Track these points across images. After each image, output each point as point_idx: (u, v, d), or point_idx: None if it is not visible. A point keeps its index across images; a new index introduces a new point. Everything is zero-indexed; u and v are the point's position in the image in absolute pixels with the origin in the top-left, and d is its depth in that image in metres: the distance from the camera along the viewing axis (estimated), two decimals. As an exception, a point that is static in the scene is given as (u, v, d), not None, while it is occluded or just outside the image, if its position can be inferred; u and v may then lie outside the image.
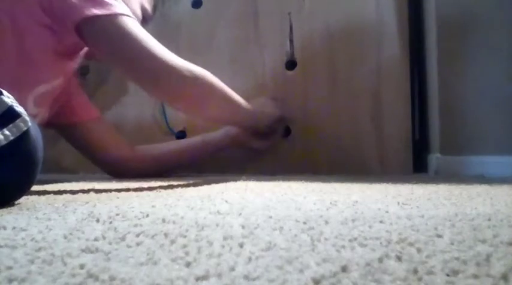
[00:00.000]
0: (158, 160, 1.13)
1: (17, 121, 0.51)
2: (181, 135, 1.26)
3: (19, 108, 0.52)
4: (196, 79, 0.90)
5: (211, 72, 1.24)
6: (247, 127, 1.12)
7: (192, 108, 0.99)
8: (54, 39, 0.86)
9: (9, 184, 0.52)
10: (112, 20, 0.84)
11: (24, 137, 0.51)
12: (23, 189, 0.55)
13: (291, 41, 1.20)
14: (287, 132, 1.21)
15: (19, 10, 0.82)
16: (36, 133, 0.54)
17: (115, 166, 1.09)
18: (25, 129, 0.51)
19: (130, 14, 0.87)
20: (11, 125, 0.50)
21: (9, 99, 0.52)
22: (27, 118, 0.52)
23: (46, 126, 1.07)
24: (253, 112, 1.08)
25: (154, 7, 1.19)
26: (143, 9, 1.08)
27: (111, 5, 0.84)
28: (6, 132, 0.50)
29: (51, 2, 0.83)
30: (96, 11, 0.83)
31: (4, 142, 0.49)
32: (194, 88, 0.91)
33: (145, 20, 1.10)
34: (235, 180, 0.90)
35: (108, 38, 0.86)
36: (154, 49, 0.86)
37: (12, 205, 0.54)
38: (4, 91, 0.53)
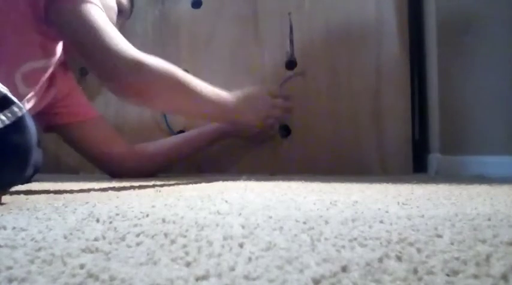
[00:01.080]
0: (156, 158, 1.13)
1: (12, 106, 0.52)
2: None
3: (11, 96, 0.53)
4: (145, 71, 0.86)
5: (212, 72, 1.24)
6: (220, 121, 1.11)
7: (141, 100, 0.92)
8: (37, 18, 0.86)
9: (4, 168, 0.52)
10: (75, 5, 0.85)
11: (19, 122, 0.52)
12: (18, 174, 0.55)
13: (291, 41, 1.20)
14: (287, 132, 1.20)
15: None
16: (29, 120, 0.55)
17: (113, 166, 1.09)
18: (20, 114, 0.52)
19: (96, 2, 0.87)
20: (5, 111, 0.51)
21: (3, 88, 0.53)
22: (22, 105, 0.53)
23: (46, 130, 1.07)
24: (224, 106, 1.02)
25: (132, 2, 1.19)
26: (118, 2, 1.08)
27: None
28: (2, 117, 0.51)
29: None
30: None
31: (0, 126, 0.50)
32: (141, 79, 0.86)
33: (121, 14, 1.10)
34: (235, 180, 0.90)
35: (69, 23, 0.86)
36: (109, 39, 0.85)
37: (12, 204, 0.54)
38: None
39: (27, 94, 0.91)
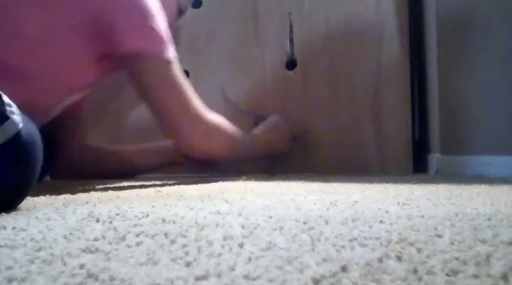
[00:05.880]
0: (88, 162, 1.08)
1: (6, 123, 0.49)
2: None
3: (11, 108, 0.50)
4: (214, 133, 0.93)
5: (212, 72, 1.24)
6: (262, 155, 1.12)
7: (205, 157, 1.00)
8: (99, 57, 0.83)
9: (4, 188, 0.50)
10: (163, 67, 0.83)
11: (13, 141, 0.49)
12: (20, 192, 0.53)
13: (291, 41, 1.20)
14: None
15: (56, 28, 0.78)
16: (30, 135, 0.52)
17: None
18: (14, 132, 0.49)
19: (177, 60, 0.86)
20: None
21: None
22: (18, 118, 0.50)
23: None
24: (255, 146, 1.08)
25: None
26: (178, 4, 1.05)
27: (164, 46, 0.82)
28: None
29: (100, 26, 0.78)
30: (149, 47, 0.81)
31: None
32: (213, 140, 0.94)
33: (180, 13, 1.08)
34: (235, 180, 0.90)
35: (153, 85, 0.85)
36: (189, 102, 0.87)
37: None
38: None
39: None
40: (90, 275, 0.24)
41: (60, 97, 0.84)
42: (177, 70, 0.86)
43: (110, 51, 0.81)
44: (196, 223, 0.40)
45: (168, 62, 0.83)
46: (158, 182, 0.88)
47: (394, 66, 1.13)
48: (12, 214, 0.46)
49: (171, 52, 0.85)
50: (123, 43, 0.80)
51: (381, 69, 1.14)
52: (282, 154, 1.19)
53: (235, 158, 1.06)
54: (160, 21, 0.83)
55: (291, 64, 1.20)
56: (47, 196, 0.64)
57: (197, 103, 0.89)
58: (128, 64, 0.83)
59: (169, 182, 0.88)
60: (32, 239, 0.33)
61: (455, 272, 0.24)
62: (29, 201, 0.57)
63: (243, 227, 0.37)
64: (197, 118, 0.89)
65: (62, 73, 0.80)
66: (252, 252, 0.29)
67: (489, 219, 0.40)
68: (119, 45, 0.80)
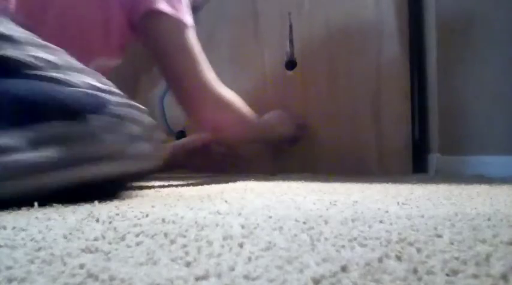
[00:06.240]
0: None
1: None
2: (181, 134, 1.26)
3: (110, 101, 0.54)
4: (225, 107, 0.93)
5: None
6: (259, 141, 1.14)
7: (213, 131, 1.01)
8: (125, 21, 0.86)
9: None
10: (180, 28, 0.85)
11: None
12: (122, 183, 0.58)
13: (291, 41, 1.20)
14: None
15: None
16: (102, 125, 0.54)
17: None
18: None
19: (194, 30, 0.88)
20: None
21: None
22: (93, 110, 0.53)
23: None
24: (262, 128, 1.09)
25: None
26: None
27: (183, 10, 0.85)
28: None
29: None
30: (169, 7, 0.83)
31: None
32: (223, 115, 0.94)
33: (195, 10, 1.09)
34: (235, 180, 0.90)
35: (167, 43, 0.86)
36: (201, 71, 0.88)
37: (12, 204, 0.54)
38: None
39: None
40: (90, 275, 0.24)
41: (92, 55, 0.86)
42: (193, 37, 0.87)
43: (134, 16, 0.84)
44: (196, 223, 0.40)
45: (185, 25, 0.85)
46: (158, 183, 0.88)
47: (394, 66, 1.14)
48: (12, 214, 0.46)
49: (189, 20, 0.86)
50: (145, 3, 0.83)
51: (380, 69, 1.14)
52: (283, 154, 1.19)
53: (244, 137, 1.06)
54: None
55: (291, 64, 1.21)
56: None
57: (209, 74, 0.89)
58: (146, 24, 0.85)
59: (169, 183, 0.88)
60: (32, 239, 0.33)
61: (455, 272, 0.24)
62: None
63: (242, 227, 0.37)
64: (207, 89, 0.89)
65: (96, 33, 0.84)
66: (252, 252, 0.29)
67: (489, 219, 0.40)
68: (141, 6, 0.83)
